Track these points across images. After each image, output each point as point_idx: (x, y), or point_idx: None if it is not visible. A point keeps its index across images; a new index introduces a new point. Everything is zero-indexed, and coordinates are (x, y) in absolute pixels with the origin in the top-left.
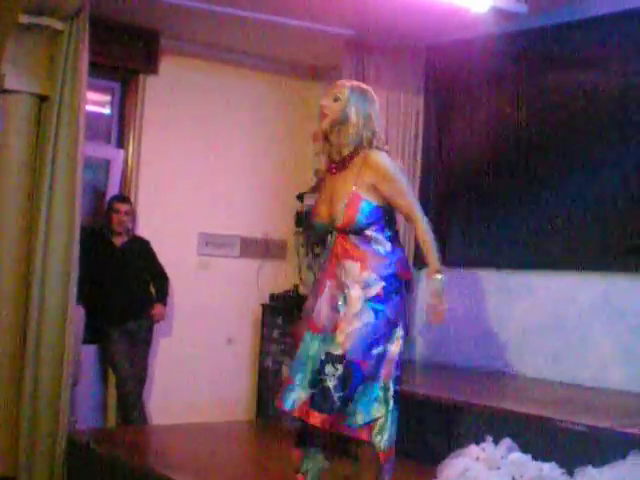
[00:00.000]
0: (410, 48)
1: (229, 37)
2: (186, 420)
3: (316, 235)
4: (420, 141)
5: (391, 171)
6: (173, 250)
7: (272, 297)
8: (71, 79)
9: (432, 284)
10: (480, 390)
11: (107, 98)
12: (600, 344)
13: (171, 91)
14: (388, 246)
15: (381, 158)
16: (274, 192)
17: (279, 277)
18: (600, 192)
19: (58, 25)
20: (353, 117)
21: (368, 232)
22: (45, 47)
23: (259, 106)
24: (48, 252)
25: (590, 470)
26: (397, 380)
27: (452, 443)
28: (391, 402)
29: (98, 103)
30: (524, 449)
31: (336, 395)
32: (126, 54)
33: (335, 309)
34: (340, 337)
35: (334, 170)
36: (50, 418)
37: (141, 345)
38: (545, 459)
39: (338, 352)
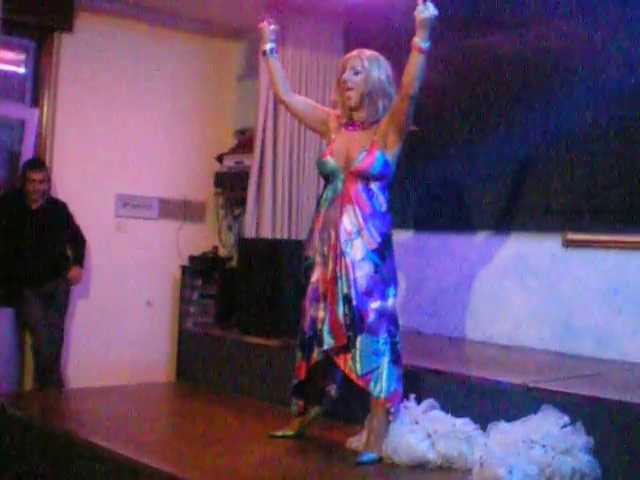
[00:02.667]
0: (330, 8)
1: None
2: (105, 384)
3: (322, 173)
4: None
5: None
6: (90, 212)
7: (191, 259)
8: None
9: None
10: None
11: (21, 57)
12: (514, 303)
13: (88, 50)
14: (384, 206)
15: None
16: (193, 153)
17: (198, 239)
18: (515, 154)
19: None
20: (377, 87)
21: (373, 185)
22: None
23: (178, 66)
24: None
25: (502, 425)
26: (393, 334)
27: None
28: (387, 354)
29: (12, 62)
30: (445, 407)
31: (347, 334)
32: (41, 11)
33: (342, 252)
34: (350, 282)
35: (351, 128)
36: None
37: (57, 307)
38: (461, 416)
39: (351, 295)
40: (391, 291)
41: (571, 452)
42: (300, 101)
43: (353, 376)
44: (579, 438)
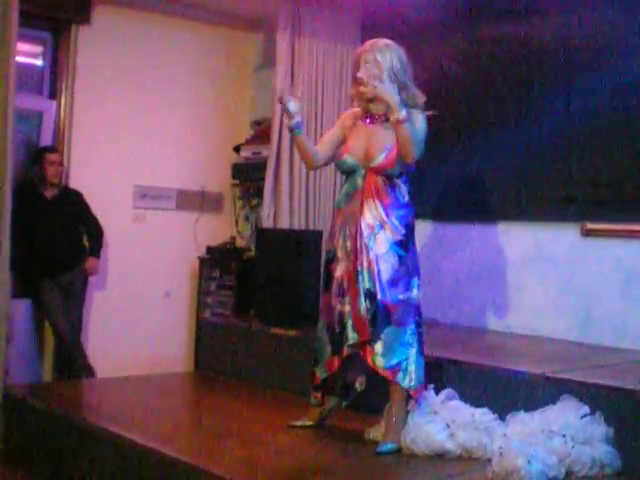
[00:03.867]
0: None
1: None
2: (124, 374)
3: (342, 171)
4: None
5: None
6: (108, 203)
7: (209, 250)
8: (1, 29)
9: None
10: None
11: (39, 49)
12: (532, 293)
13: (104, 41)
14: (407, 198)
15: (420, 122)
16: (210, 144)
17: (216, 230)
18: (531, 144)
19: None
20: (399, 78)
21: (396, 180)
22: None
23: (195, 57)
24: None
25: (521, 415)
26: (419, 324)
27: None
28: (415, 345)
29: (30, 54)
30: (464, 397)
31: (370, 329)
32: (58, 3)
33: (365, 246)
34: (374, 276)
35: (370, 121)
36: None
37: (75, 298)
38: (480, 406)
39: (374, 290)
40: (415, 282)
41: (591, 442)
42: (325, 152)
43: (379, 369)
44: (599, 428)
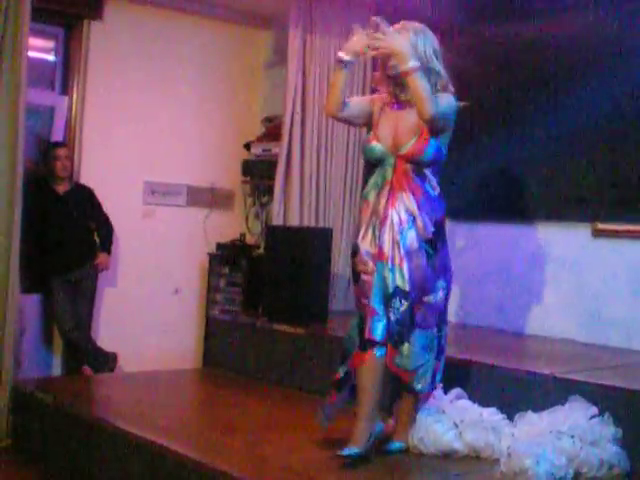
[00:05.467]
0: None
1: None
2: (132, 370)
3: (370, 159)
4: (368, 92)
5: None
6: (118, 199)
7: (219, 246)
8: (13, 24)
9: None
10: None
11: (51, 44)
12: (542, 293)
13: (116, 37)
14: (437, 190)
15: (446, 99)
16: (221, 141)
17: (226, 226)
18: (542, 145)
19: None
20: (423, 62)
21: (426, 170)
22: None
23: (206, 54)
24: None
25: (530, 415)
26: (440, 328)
27: None
28: (435, 349)
29: (42, 49)
30: (472, 397)
31: (396, 328)
32: None
33: (397, 242)
34: (405, 273)
35: (397, 106)
36: None
37: (85, 294)
38: (488, 405)
39: (406, 288)
40: (440, 284)
41: (599, 443)
42: (352, 106)
43: (400, 371)
44: (607, 429)
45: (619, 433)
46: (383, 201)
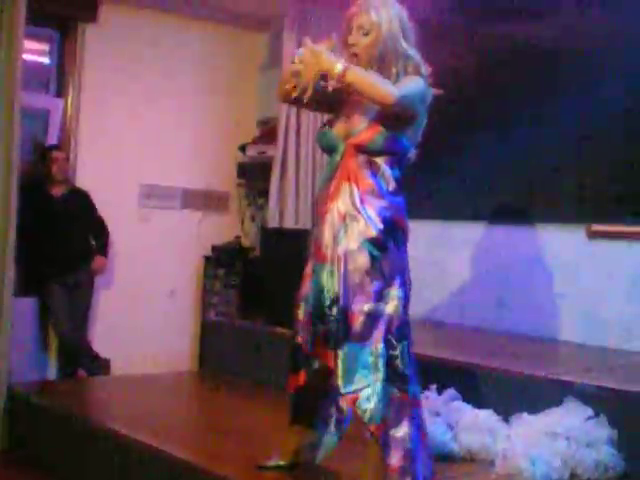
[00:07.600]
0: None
1: None
2: (128, 373)
3: (321, 147)
4: None
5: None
6: (114, 202)
7: (214, 249)
8: (8, 27)
9: None
10: (424, 340)
11: (46, 47)
12: (539, 295)
13: (112, 40)
14: (392, 185)
15: (410, 81)
16: (216, 143)
17: (221, 229)
18: (539, 145)
19: None
20: (390, 47)
21: (379, 160)
22: None
23: (201, 56)
24: None
25: (525, 416)
26: (393, 346)
27: None
28: (382, 370)
29: (37, 52)
30: (466, 398)
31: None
32: (65, 1)
33: (336, 240)
34: (340, 276)
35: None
36: None
37: (82, 298)
38: (484, 407)
39: (339, 292)
40: (394, 292)
41: (594, 445)
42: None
43: (339, 392)
44: (603, 431)
45: (614, 435)
46: (327, 194)
